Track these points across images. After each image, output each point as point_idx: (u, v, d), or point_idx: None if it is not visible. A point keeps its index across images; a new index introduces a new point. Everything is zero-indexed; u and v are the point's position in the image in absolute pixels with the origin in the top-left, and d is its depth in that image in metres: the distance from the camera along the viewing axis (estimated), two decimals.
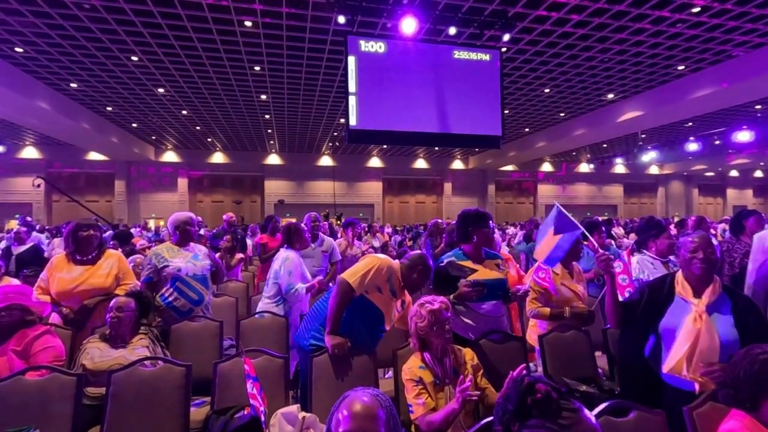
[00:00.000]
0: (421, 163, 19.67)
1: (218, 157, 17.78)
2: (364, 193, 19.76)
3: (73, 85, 9.32)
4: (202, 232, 6.30)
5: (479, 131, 6.23)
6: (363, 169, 19.28)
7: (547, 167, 20.91)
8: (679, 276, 1.92)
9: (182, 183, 17.92)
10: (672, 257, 2.76)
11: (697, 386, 1.73)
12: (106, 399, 1.81)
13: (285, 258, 3.14)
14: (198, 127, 13.56)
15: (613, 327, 1.89)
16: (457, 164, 20.09)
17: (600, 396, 2.01)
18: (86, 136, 12.43)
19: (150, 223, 16.04)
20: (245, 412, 1.60)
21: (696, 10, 6.25)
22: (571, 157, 20.02)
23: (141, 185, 17.61)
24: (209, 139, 15.58)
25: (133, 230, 9.55)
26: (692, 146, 11.92)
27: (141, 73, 8.56)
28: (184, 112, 11.62)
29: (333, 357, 2.05)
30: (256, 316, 2.88)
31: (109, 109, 11.27)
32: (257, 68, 8.45)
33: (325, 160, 18.66)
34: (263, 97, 10.37)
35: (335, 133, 14.48)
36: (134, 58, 7.81)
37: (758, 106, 11.43)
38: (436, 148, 17.47)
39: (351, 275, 2.13)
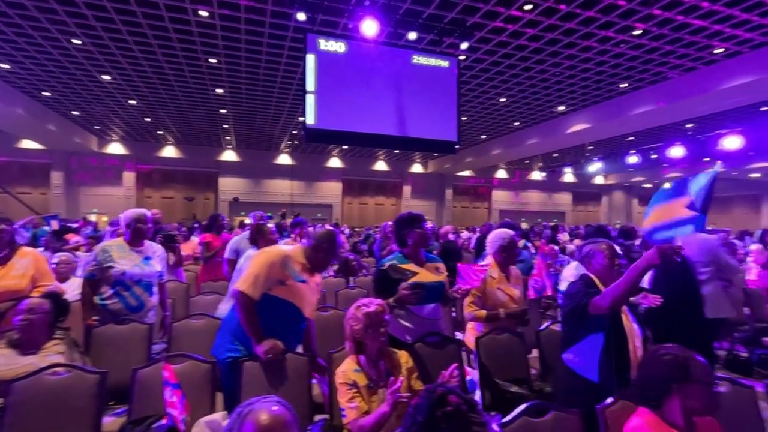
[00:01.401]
0: (381, 165, 19.74)
1: (169, 151, 16.94)
2: (323, 194, 19.55)
3: (5, 66, 8.55)
4: None
5: (436, 136, 6.34)
6: (322, 169, 19.07)
7: (502, 174, 21.63)
8: (596, 280, 2.02)
9: (129, 177, 16.91)
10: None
11: None
12: (2, 410, 1.65)
13: (247, 257, 3.06)
14: (147, 119, 12.86)
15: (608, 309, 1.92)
16: (417, 167, 20.34)
17: (529, 396, 2.09)
18: (19, 122, 11.41)
19: (92, 218, 15.00)
20: (163, 422, 1.51)
21: (637, 32, 6.70)
22: (525, 165, 20.83)
23: (82, 178, 16.44)
24: (160, 132, 14.82)
25: (81, 227, 8.86)
26: (632, 159, 12.75)
27: (83, 57, 8.00)
28: (132, 101, 10.98)
29: (267, 362, 1.98)
30: (195, 319, 2.74)
31: (46, 94, 10.44)
32: (213, 60, 8.14)
33: (284, 159, 18.28)
34: (219, 90, 10.01)
35: (294, 132, 14.22)
36: (76, 41, 7.28)
37: (689, 125, 12.44)
38: (396, 151, 17.59)
39: (242, 282, 2.02)
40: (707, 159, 16.85)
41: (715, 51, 7.37)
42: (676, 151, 11.02)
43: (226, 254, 3.88)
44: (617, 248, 2.12)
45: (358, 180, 20.19)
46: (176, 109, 11.73)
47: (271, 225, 4.02)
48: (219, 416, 1.60)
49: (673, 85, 8.79)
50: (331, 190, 19.65)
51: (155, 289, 2.84)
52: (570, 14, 6.17)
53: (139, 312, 2.67)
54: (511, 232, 2.74)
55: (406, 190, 20.55)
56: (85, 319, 2.56)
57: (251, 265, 2.07)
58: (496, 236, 2.71)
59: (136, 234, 2.80)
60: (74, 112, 12.19)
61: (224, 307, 3.00)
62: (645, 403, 1.46)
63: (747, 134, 9.49)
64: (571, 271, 3.06)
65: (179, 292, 3.68)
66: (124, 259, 2.69)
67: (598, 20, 6.32)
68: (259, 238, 3.22)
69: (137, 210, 2.90)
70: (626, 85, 9.20)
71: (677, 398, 1.40)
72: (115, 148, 16.22)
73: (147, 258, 2.81)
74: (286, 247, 2.18)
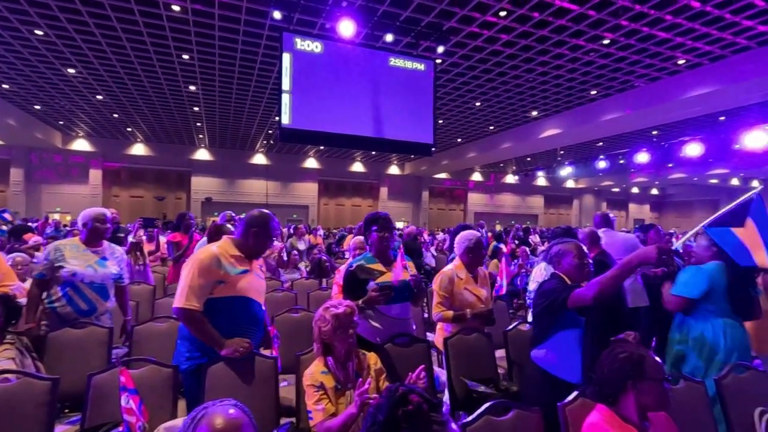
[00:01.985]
0: (358, 167, 19.71)
1: (139, 149, 16.40)
2: (299, 194, 19.36)
3: None
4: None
5: (412, 138, 6.37)
6: (298, 169, 18.88)
7: (477, 177, 21.96)
8: (565, 279, 2.08)
9: (95, 175, 16.28)
10: None
11: None
12: None
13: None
14: (116, 115, 12.41)
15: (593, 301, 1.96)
16: (394, 169, 20.41)
17: (496, 396, 2.12)
18: None
19: (55, 217, 14.34)
20: (119, 429, 1.45)
21: (606, 42, 6.93)
22: (499, 168, 21.22)
23: (44, 175, 15.72)
24: (129, 129, 14.33)
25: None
26: (601, 164, 13.17)
27: (47, 49, 7.65)
28: (99, 97, 10.57)
29: (235, 363, 1.92)
30: (159, 322, 2.64)
31: (5, 86, 9.93)
32: (186, 57, 7.93)
33: (259, 158, 18.00)
34: (192, 87, 9.76)
35: (270, 131, 14.02)
36: (38, 32, 6.95)
37: (655, 132, 12.97)
38: (373, 153, 17.61)
39: (179, 299, 1.90)
40: (671, 165, 17.64)
41: (678, 62, 7.71)
42: (642, 157, 11.46)
43: None
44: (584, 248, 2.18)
45: (334, 181, 20.09)
46: (147, 106, 11.37)
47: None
48: (180, 422, 1.54)
49: (640, 94, 9.14)
50: (307, 191, 19.47)
51: (111, 293, 2.70)
52: (543, 22, 6.33)
53: (89, 317, 2.53)
54: (478, 234, 2.78)
55: (383, 191, 20.58)
56: (28, 322, 2.38)
57: (182, 278, 1.94)
58: (463, 238, 2.75)
59: (93, 234, 2.66)
60: (36, 107, 11.65)
61: None
62: (602, 399, 1.51)
63: (707, 142, 9.96)
64: (540, 272, 3.13)
65: (145, 294, 3.56)
66: (76, 260, 2.55)
67: (569, 29, 6.51)
68: (218, 239, 3.13)
69: (96, 209, 2.75)
70: (596, 92, 9.51)
71: (632, 394, 1.46)
72: (81, 144, 15.57)
73: (103, 259, 2.67)
74: (212, 246, 2.06)
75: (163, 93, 10.18)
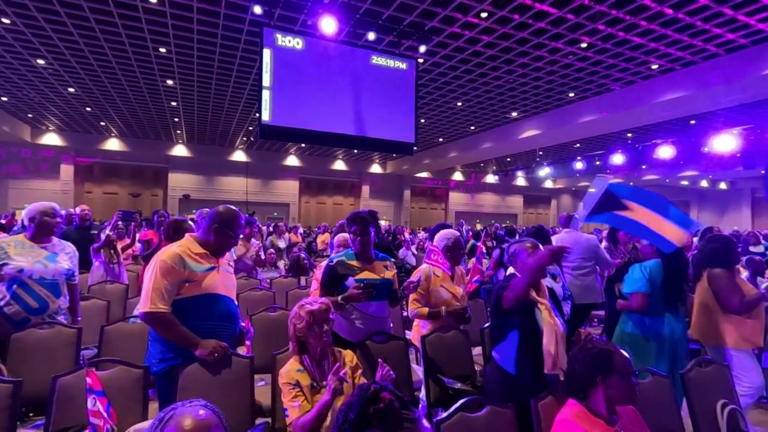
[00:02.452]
0: (339, 165, 19.62)
1: (113, 144, 15.91)
2: (280, 192, 19.15)
3: None
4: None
5: (393, 137, 6.38)
6: (279, 167, 18.67)
7: (458, 176, 22.16)
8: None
9: (66, 170, 15.72)
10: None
11: (562, 375, 1.87)
12: None
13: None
14: (88, 108, 12.00)
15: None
16: (376, 168, 20.40)
17: (472, 393, 2.15)
18: None
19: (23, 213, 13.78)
20: None
21: (584, 45, 7.09)
22: (480, 168, 21.46)
23: (11, 170, 15.10)
24: (103, 123, 13.88)
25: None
26: (579, 165, 13.49)
27: (14, 38, 7.33)
28: (71, 89, 10.21)
29: (211, 363, 1.88)
30: (130, 320, 2.56)
31: None
32: (163, 50, 7.73)
33: (239, 155, 17.71)
34: (169, 82, 9.52)
35: (250, 128, 13.81)
36: (5, 20, 6.66)
37: (630, 134, 13.34)
38: (355, 151, 17.56)
39: (144, 303, 1.84)
40: (644, 166, 18.16)
41: (652, 66, 7.94)
42: (617, 159, 11.78)
43: None
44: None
45: (316, 179, 19.95)
46: (121, 100, 11.04)
47: None
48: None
49: (615, 97, 9.39)
50: (287, 189, 19.28)
51: (64, 290, 2.59)
52: (523, 24, 6.42)
53: (41, 314, 2.42)
54: (457, 233, 2.82)
55: (365, 190, 20.55)
56: None
57: (145, 281, 1.89)
58: (442, 236, 2.78)
59: (41, 228, 2.52)
60: (3, 98, 11.17)
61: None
62: (573, 394, 1.56)
63: (678, 145, 10.31)
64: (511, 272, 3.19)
65: (117, 293, 3.46)
66: (23, 256, 2.42)
67: (548, 32, 6.62)
68: (178, 237, 2.96)
69: (43, 202, 2.61)
70: (573, 94, 9.71)
71: (601, 389, 1.51)
72: (51, 138, 15.01)
73: (53, 254, 2.55)
74: (174, 246, 2.00)
75: (139, 87, 9.90)
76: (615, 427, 1.49)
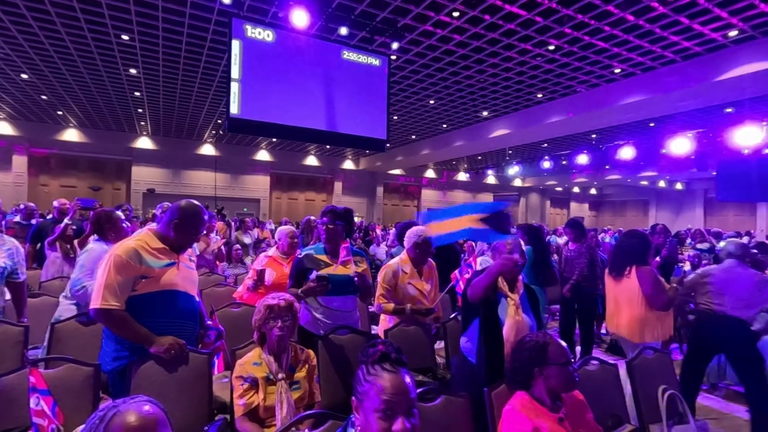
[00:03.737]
0: (312, 160, 19.41)
1: (71, 135, 15.11)
2: (250, 187, 18.77)
3: None
4: (33, 221, 5.21)
5: (365, 133, 6.37)
6: (249, 161, 18.28)
7: (430, 173, 22.39)
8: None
9: (19, 161, 14.83)
10: None
11: None
12: None
13: (86, 250, 2.69)
14: (44, 97, 11.36)
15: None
16: (348, 164, 20.32)
17: (430, 383, 2.21)
18: None
19: None
20: None
21: (551, 48, 7.30)
22: (452, 165, 21.76)
23: None
24: (59, 113, 13.17)
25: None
26: (546, 164, 13.90)
27: None
28: (24, 76, 9.63)
29: (169, 361, 1.83)
30: (79, 319, 2.44)
31: None
32: (125, 37, 7.40)
33: (207, 149, 17.22)
34: (133, 71, 9.13)
35: (219, 121, 13.45)
36: None
37: (594, 135, 13.85)
38: (328, 147, 17.42)
39: (96, 299, 1.76)
40: (607, 167, 18.90)
41: (615, 70, 8.27)
42: (582, 158, 12.21)
43: None
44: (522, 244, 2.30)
45: (287, 174, 19.67)
46: (81, 88, 10.50)
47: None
48: None
49: (581, 99, 9.72)
50: (258, 184, 18.92)
51: (4, 288, 2.47)
52: (493, 25, 6.54)
53: None
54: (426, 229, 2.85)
55: (338, 186, 20.44)
56: None
57: (98, 276, 1.81)
58: (412, 233, 2.83)
59: None
60: None
61: (66, 304, 2.66)
62: (519, 386, 1.64)
63: (638, 146, 10.79)
64: (479, 267, 3.29)
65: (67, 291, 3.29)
66: None
67: (517, 33, 6.78)
68: (108, 228, 2.68)
69: None
70: (541, 95, 9.98)
71: (541, 379, 1.59)
72: (2, 127, 14.11)
73: None
74: (130, 240, 1.93)
75: (100, 75, 9.45)
76: (559, 413, 1.57)
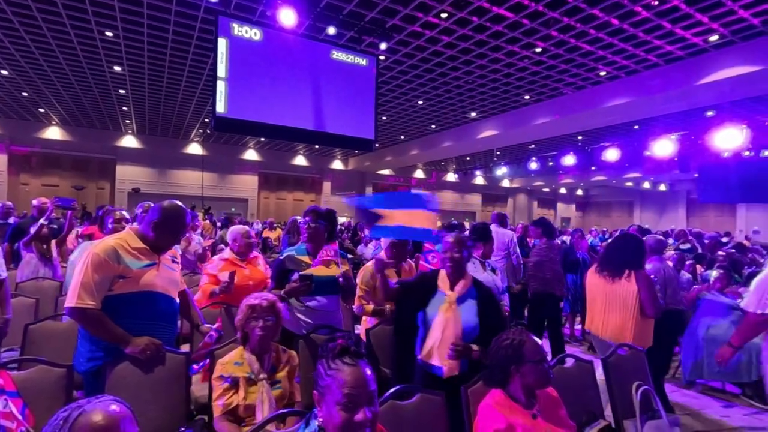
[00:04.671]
0: (300, 160, 19.32)
1: (54, 133, 14.80)
2: (238, 187, 18.60)
3: None
4: (11, 220, 5.09)
5: (353, 133, 6.36)
6: (237, 161, 18.12)
7: (419, 174, 22.45)
8: (442, 271, 2.19)
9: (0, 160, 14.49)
10: (490, 260, 3.25)
11: (444, 370, 1.98)
12: None
13: (79, 249, 2.75)
14: (24, 93, 11.10)
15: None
16: (337, 164, 20.27)
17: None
18: None
19: None
20: None
21: (538, 50, 7.38)
22: (440, 166, 21.85)
23: None
24: (41, 110, 12.89)
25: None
26: (533, 165, 14.04)
27: None
28: (4, 72, 9.40)
29: (145, 361, 1.80)
30: (64, 318, 2.39)
31: None
32: (109, 34, 7.27)
33: (194, 148, 17.01)
34: (117, 68, 8.98)
35: (206, 120, 13.29)
36: None
37: (580, 137, 14.04)
38: (317, 146, 17.35)
39: (71, 298, 1.74)
40: (593, 168, 19.18)
41: (600, 73, 8.40)
42: (569, 160, 12.36)
43: None
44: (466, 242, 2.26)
45: (275, 174, 19.55)
46: (63, 85, 10.29)
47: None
48: None
49: (567, 101, 9.85)
50: (246, 184, 18.76)
51: None
52: (481, 27, 6.59)
53: None
54: None
55: (326, 186, 20.38)
56: None
57: (75, 274, 1.79)
58: None
59: None
60: None
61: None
62: (496, 384, 1.66)
63: (623, 148, 10.97)
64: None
65: (49, 291, 3.22)
66: None
67: (505, 35, 6.84)
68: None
69: None
70: (529, 97, 10.09)
71: (517, 377, 1.62)
72: None
73: None
74: (110, 238, 1.91)
75: (83, 72, 9.27)
76: (533, 410, 1.61)
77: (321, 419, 1.12)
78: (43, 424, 1.47)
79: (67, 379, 1.73)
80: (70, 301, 1.74)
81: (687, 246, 7.37)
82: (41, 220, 4.04)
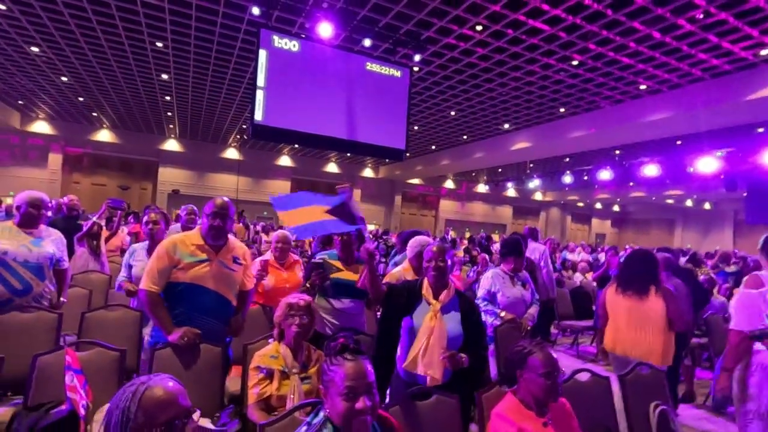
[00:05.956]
0: (332, 167, 19.67)
1: (104, 135, 15.78)
2: (271, 191, 19.10)
3: None
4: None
5: (384, 143, 6.45)
6: (271, 166, 18.66)
7: (449, 184, 22.34)
8: (426, 281, 2.18)
9: (55, 159, 15.54)
10: (520, 273, 3.22)
11: (428, 380, 1.97)
12: None
13: (131, 252, 3.05)
14: (81, 99, 11.92)
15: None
16: (368, 172, 20.50)
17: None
18: None
19: (8, 201, 13.56)
20: (63, 407, 1.45)
21: (575, 63, 7.27)
22: (471, 177, 21.67)
23: None
24: (94, 114, 13.78)
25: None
26: (567, 179, 13.72)
27: (9, 25, 7.29)
28: (64, 78, 10.15)
29: (181, 347, 1.99)
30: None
31: None
32: (159, 44, 7.75)
33: (231, 153, 17.67)
34: (164, 76, 9.52)
35: (244, 126, 13.81)
36: (1, 6, 6.63)
37: (617, 151, 13.61)
38: (348, 154, 17.63)
39: (141, 281, 2.09)
40: (631, 183, 18.50)
41: (641, 87, 8.16)
42: (605, 174, 12.01)
43: None
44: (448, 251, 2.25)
45: (307, 180, 19.96)
46: (115, 92, 11.00)
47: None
48: None
49: (605, 114, 9.60)
50: (279, 189, 19.25)
51: (48, 274, 2.65)
52: (516, 39, 6.58)
53: (25, 296, 2.48)
54: (430, 240, 2.84)
55: (357, 194, 20.61)
56: None
57: (149, 261, 2.14)
58: (415, 242, 2.83)
59: (26, 218, 2.60)
60: None
61: None
62: (505, 381, 1.76)
63: (664, 164, 10.56)
64: (487, 279, 3.27)
65: (100, 283, 3.47)
66: (8, 240, 2.50)
67: (541, 48, 6.79)
68: None
69: (32, 193, 2.67)
70: (564, 109, 9.91)
71: (522, 382, 1.67)
72: (41, 126, 14.85)
73: (38, 239, 2.62)
74: (181, 233, 2.24)
75: (134, 79, 9.88)
76: (544, 418, 1.62)
77: (328, 410, 1.24)
78: (98, 400, 1.62)
79: (121, 361, 1.93)
80: (140, 284, 2.08)
81: (733, 269, 6.98)
82: (93, 218, 4.34)
